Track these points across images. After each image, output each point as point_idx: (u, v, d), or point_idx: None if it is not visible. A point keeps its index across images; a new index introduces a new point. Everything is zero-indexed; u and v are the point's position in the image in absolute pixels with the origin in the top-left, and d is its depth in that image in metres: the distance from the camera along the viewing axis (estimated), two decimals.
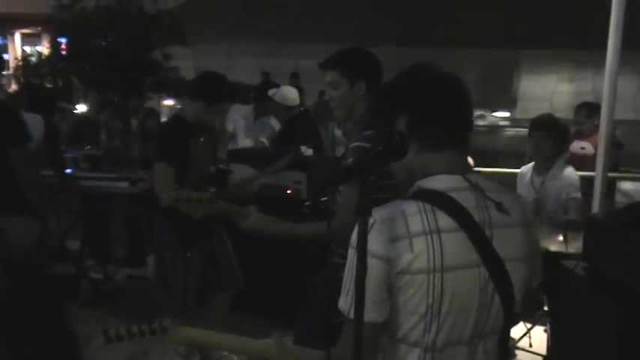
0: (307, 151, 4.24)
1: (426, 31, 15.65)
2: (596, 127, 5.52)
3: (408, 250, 1.31)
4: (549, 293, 3.29)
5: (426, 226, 1.33)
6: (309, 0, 16.34)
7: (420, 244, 1.31)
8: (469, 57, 16.12)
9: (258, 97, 6.09)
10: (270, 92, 5.38)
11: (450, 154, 1.43)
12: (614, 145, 4.74)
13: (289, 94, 5.41)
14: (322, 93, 8.75)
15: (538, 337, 3.96)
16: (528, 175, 4.05)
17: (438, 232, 1.33)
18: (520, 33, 15.49)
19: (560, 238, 3.47)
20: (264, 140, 5.74)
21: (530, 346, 3.90)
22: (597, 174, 4.22)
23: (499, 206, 1.40)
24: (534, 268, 1.50)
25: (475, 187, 1.40)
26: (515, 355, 3.88)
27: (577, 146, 5.74)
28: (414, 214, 1.34)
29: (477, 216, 1.37)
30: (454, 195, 1.37)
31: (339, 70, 2.32)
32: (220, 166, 3.81)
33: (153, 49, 11.33)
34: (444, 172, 1.40)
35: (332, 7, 15.89)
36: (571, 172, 3.94)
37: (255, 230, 2.21)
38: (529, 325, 3.94)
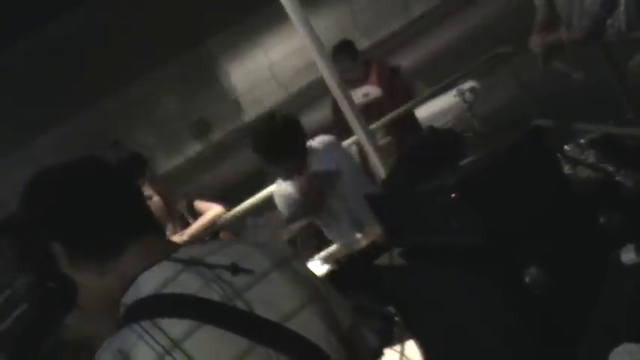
0: None
1: None
2: (368, 67, 4.77)
3: None
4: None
5: (158, 349, 1.01)
6: None
7: None
8: None
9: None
10: None
11: (139, 247, 1.13)
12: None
13: None
14: None
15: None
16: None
17: (177, 345, 1.01)
18: None
19: (358, 235, 3.17)
20: None
21: None
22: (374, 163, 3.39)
23: (234, 268, 1.10)
24: (329, 303, 1.19)
25: (191, 263, 1.10)
26: None
27: (358, 94, 4.57)
28: (135, 345, 1.01)
29: (213, 294, 1.07)
30: (169, 289, 1.07)
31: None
32: None
33: None
34: (143, 270, 1.09)
35: None
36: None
37: None
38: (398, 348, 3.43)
